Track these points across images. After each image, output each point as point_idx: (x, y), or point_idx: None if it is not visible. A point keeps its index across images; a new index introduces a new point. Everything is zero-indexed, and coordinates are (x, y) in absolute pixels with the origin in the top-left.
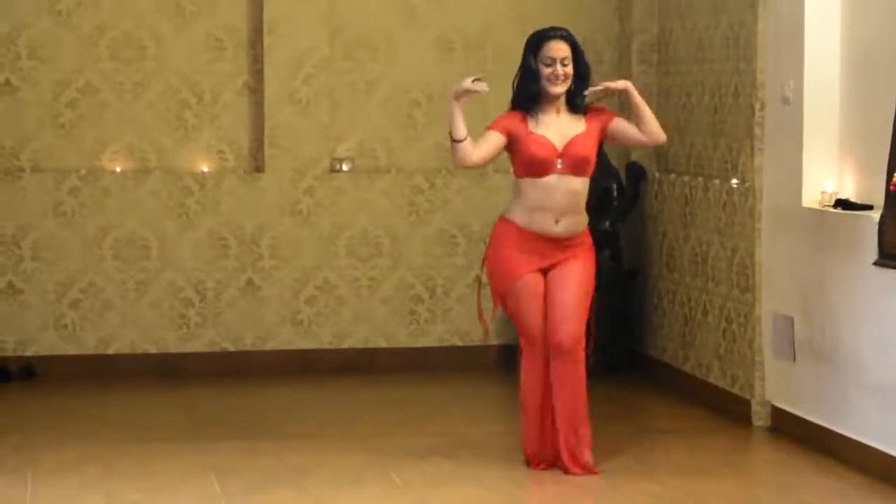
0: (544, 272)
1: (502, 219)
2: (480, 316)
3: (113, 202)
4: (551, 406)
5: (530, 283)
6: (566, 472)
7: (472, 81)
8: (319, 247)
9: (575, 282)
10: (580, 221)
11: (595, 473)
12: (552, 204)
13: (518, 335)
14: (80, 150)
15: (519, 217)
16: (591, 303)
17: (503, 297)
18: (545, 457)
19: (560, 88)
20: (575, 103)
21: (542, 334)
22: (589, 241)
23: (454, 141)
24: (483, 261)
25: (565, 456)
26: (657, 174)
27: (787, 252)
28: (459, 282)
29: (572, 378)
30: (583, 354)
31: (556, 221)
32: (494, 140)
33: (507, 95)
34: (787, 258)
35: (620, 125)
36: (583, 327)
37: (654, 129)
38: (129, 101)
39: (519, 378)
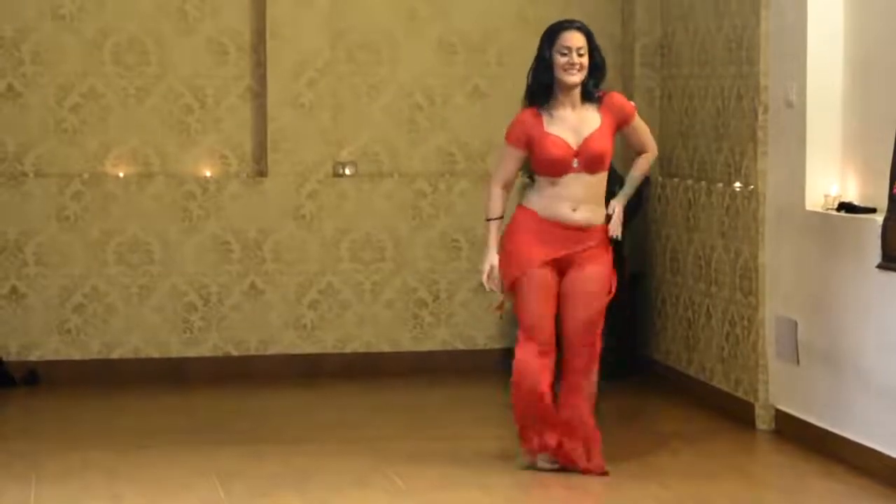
0: (560, 268)
1: (520, 207)
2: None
3: (116, 207)
4: (553, 398)
5: (541, 275)
6: (582, 470)
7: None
8: (322, 251)
9: (594, 298)
10: (598, 213)
11: (605, 474)
12: (570, 196)
13: (519, 325)
14: (84, 154)
15: (537, 205)
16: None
17: (513, 283)
18: (549, 447)
19: (576, 78)
20: (590, 93)
21: (543, 329)
22: (606, 234)
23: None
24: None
25: (577, 455)
26: (660, 178)
27: (791, 255)
28: (463, 286)
29: (585, 373)
30: (598, 347)
31: (574, 209)
32: (515, 159)
33: (510, 98)
34: (790, 261)
35: (635, 132)
36: (600, 334)
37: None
38: (132, 105)
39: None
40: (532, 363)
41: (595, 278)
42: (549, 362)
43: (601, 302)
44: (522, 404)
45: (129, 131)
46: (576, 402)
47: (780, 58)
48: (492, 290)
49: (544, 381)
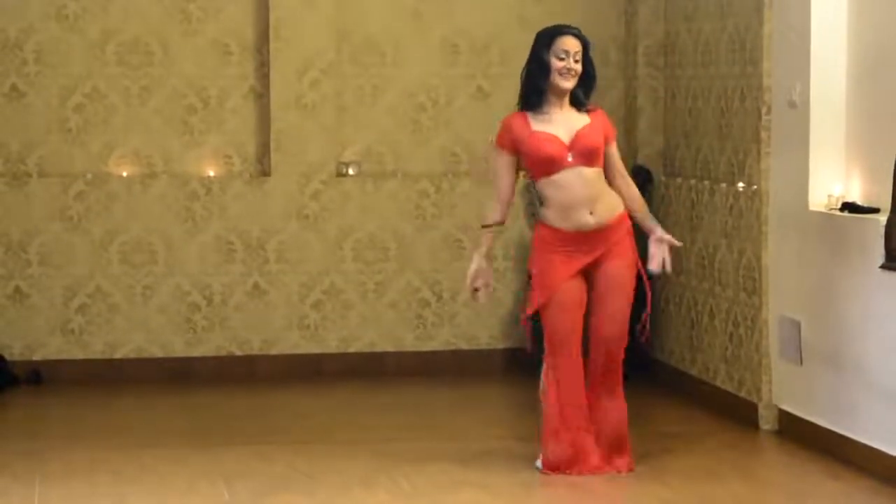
0: (588, 272)
1: (538, 224)
2: (529, 333)
3: (119, 207)
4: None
5: (570, 291)
6: (597, 471)
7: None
8: (326, 251)
9: (622, 291)
10: (612, 205)
11: (631, 470)
12: (579, 198)
13: (546, 341)
14: (87, 154)
15: (553, 219)
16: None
17: (543, 306)
18: (571, 459)
19: (569, 83)
20: (580, 101)
21: (572, 345)
22: (628, 224)
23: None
24: (528, 270)
25: (598, 455)
26: (663, 178)
27: (794, 255)
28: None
29: (613, 380)
30: (623, 357)
31: (591, 213)
32: (509, 168)
33: (513, 99)
34: (793, 261)
35: (611, 153)
36: (627, 331)
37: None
38: (135, 105)
39: (538, 386)
40: (570, 369)
41: (622, 273)
42: (581, 370)
43: (629, 297)
44: (559, 405)
45: (132, 131)
46: (602, 401)
47: (784, 58)
48: (476, 293)
49: (580, 386)
